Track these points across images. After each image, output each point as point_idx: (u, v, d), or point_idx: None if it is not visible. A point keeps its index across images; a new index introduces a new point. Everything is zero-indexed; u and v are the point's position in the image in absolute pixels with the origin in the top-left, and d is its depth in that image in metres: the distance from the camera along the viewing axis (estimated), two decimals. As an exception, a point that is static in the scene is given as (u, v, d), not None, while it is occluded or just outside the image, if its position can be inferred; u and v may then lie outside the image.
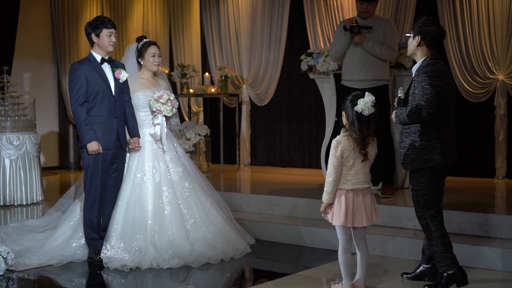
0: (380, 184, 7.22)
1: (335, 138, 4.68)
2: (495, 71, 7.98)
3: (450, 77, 4.92)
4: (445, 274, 4.84)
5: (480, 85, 8.08)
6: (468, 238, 5.79)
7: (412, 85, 4.82)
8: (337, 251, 4.83)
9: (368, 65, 6.94)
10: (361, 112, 4.56)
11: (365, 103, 4.55)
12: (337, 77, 7.51)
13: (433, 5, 8.34)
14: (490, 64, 7.99)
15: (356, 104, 4.57)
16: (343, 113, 4.69)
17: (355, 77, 6.98)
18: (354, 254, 4.84)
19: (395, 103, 5.06)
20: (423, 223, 4.88)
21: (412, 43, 4.89)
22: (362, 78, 6.93)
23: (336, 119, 7.66)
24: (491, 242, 5.63)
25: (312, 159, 9.84)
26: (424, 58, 4.86)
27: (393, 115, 4.91)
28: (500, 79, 7.95)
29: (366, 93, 4.60)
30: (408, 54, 5.01)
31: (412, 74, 4.94)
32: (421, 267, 5.16)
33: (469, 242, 5.64)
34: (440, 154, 4.76)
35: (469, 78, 8.11)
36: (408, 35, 4.95)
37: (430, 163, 4.77)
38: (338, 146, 4.61)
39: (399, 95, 5.01)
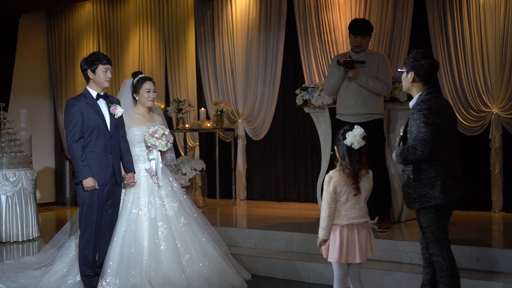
0: (377, 218, 7.20)
1: (328, 173, 4.67)
2: (490, 104, 8.02)
3: (449, 110, 4.80)
4: None
5: (475, 119, 8.12)
6: (465, 272, 5.75)
7: (408, 123, 4.76)
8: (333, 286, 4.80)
9: (362, 99, 6.97)
10: (351, 145, 4.57)
11: (354, 136, 4.56)
12: (332, 111, 7.54)
13: (427, 38, 8.41)
14: (484, 98, 8.04)
15: (346, 138, 4.58)
16: (335, 147, 4.70)
17: (349, 111, 7.01)
18: (350, 289, 4.82)
19: (396, 144, 4.97)
20: (435, 260, 4.76)
21: (407, 79, 4.81)
22: (357, 112, 6.97)
23: (332, 152, 7.67)
24: (489, 277, 5.60)
25: (308, 193, 9.83)
26: (420, 93, 4.78)
27: (393, 155, 4.86)
28: (494, 112, 7.99)
29: (355, 126, 4.61)
30: (404, 90, 4.95)
31: (409, 109, 4.91)
32: None
33: (466, 276, 5.60)
34: (442, 192, 4.65)
35: (463, 111, 8.15)
36: (401, 70, 4.88)
37: (432, 202, 4.67)
38: (331, 181, 4.61)
39: (401, 133, 4.92)
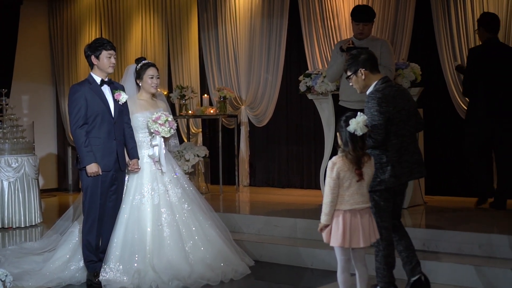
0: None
1: (331, 159, 4.69)
2: (492, 91, 7.99)
3: (405, 97, 5.01)
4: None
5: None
6: (467, 258, 5.77)
7: (364, 111, 4.92)
8: (337, 271, 4.82)
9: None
10: (354, 132, 4.58)
11: (357, 123, 4.57)
12: (336, 97, 7.54)
13: (430, 26, 8.39)
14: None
15: (349, 124, 4.59)
16: (338, 134, 4.72)
17: (352, 97, 6.99)
18: (354, 274, 4.83)
19: None
20: None
21: (359, 78, 4.98)
22: (359, 98, 6.90)
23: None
24: (491, 262, 5.61)
25: (311, 179, 9.84)
26: (375, 83, 4.97)
27: None
28: (497, 99, 7.96)
29: (358, 113, 4.63)
30: (360, 91, 5.07)
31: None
32: (411, 281, 5.17)
33: (469, 262, 5.63)
34: (391, 176, 4.88)
35: (466, 98, 8.11)
36: (349, 74, 5.01)
37: (382, 185, 4.90)
38: (334, 167, 4.61)
39: None
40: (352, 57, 5.04)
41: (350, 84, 5.10)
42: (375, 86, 4.95)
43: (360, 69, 4.96)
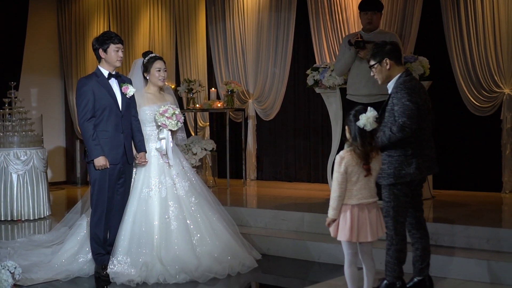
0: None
1: (339, 154, 4.67)
2: (501, 85, 7.97)
3: (425, 91, 5.01)
4: (385, 282, 5.02)
5: (486, 99, 8.07)
6: (475, 252, 5.76)
7: (390, 102, 4.89)
8: (344, 265, 4.82)
9: (373, 79, 6.84)
10: (363, 127, 4.56)
11: (367, 118, 4.54)
12: (343, 91, 7.52)
13: (438, 19, 8.36)
14: (496, 78, 7.99)
15: (358, 119, 4.57)
16: (346, 128, 4.70)
17: (360, 91, 6.98)
18: (361, 268, 4.83)
19: None
20: (387, 233, 4.94)
21: (384, 68, 4.96)
22: (368, 92, 6.94)
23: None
24: (499, 257, 5.60)
25: (318, 173, 9.84)
26: (399, 75, 4.95)
27: None
28: (506, 92, 7.94)
29: (369, 108, 4.60)
30: (382, 82, 5.05)
31: (388, 91, 5.00)
32: (415, 280, 5.16)
33: (477, 256, 5.62)
34: (416, 169, 4.86)
35: (475, 92, 8.11)
36: (373, 63, 4.98)
37: (407, 178, 4.87)
38: (342, 162, 4.60)
39: None
40: (378, 46, 5.01)
41: (372, 74, 5.06)
42: (399, 78, 4.92)
43: (385, 58, 4.93)
